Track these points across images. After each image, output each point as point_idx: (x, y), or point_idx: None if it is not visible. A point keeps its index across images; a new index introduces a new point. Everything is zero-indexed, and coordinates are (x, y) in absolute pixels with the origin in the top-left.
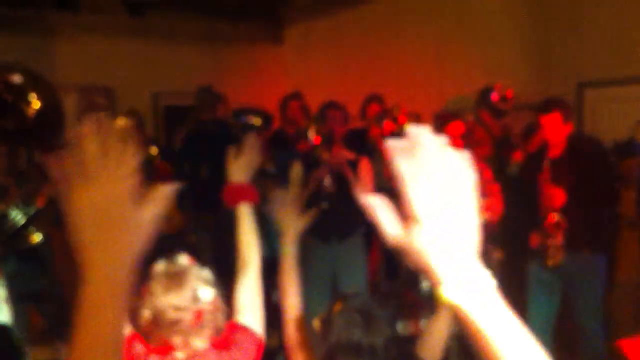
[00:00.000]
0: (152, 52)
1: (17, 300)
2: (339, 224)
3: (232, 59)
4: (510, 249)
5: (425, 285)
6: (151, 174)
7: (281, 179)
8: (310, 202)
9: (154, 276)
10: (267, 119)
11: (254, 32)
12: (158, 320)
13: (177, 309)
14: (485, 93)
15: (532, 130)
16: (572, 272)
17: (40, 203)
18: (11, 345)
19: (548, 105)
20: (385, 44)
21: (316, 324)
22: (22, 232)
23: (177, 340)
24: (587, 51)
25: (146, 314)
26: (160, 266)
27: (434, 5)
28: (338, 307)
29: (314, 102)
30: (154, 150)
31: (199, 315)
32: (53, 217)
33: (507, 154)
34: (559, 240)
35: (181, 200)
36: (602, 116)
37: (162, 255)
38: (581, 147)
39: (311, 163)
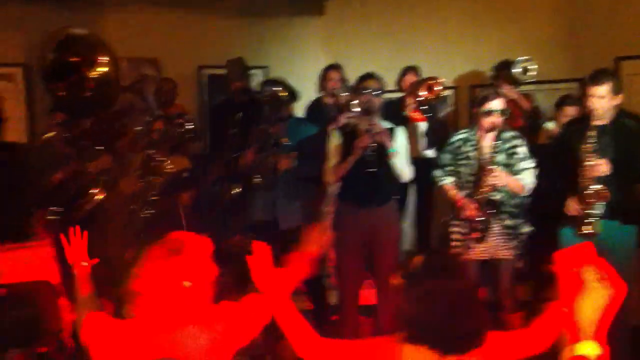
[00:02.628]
0: (195, 24)
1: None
2: (377, 191)
3: (274, 31)
4: (541, 216)
5: None
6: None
7: (299, 154)
8: (352, 169)
9: None
10: (292, 93)
11: (294, 4)
12: None
13: None
14: (504, 66)
15: (565, 101)
16: (604, 241)
17: (96, 170)
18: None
19: (598, 76)
20: (423, 16)
21: (396, 280)
22: (82, 197)
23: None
24: (623, 26)
25: None
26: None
27: None
28: (418, 259)
29: (353, 73)
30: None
31: None
32: (108, 183)
33: (537, 124)
34: (596, 209)
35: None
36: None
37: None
38: (626, 121)
39: (349, 133)
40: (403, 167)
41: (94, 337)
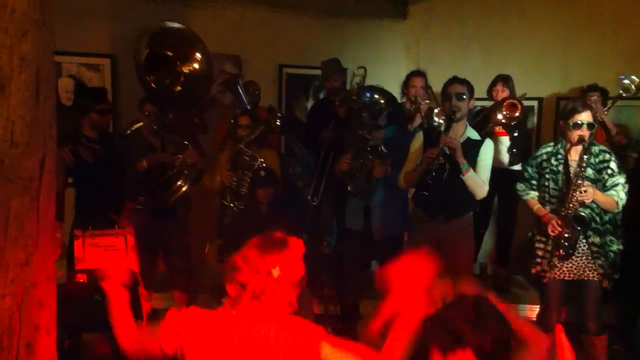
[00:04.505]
0: (278, 23)
1: (146, 249)
2: (446, 203)
3: (356, 34)
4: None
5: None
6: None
7: (392, 159)
8: (424, 178)
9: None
10: (389, 99)
11: (378, 7)
12: None
13: None
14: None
15: None
16: None
17: (183, 163)
18: (134, 288)
19: None
20: (509, 25)
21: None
22: (168, 189)
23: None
24: None
25: None
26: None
27: None
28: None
29: (436, 80)
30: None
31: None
32: (191, 177)
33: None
34: None
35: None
36: None
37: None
38: None
39: (432, 139)
40: (478, 184)
41: (177, 328)
